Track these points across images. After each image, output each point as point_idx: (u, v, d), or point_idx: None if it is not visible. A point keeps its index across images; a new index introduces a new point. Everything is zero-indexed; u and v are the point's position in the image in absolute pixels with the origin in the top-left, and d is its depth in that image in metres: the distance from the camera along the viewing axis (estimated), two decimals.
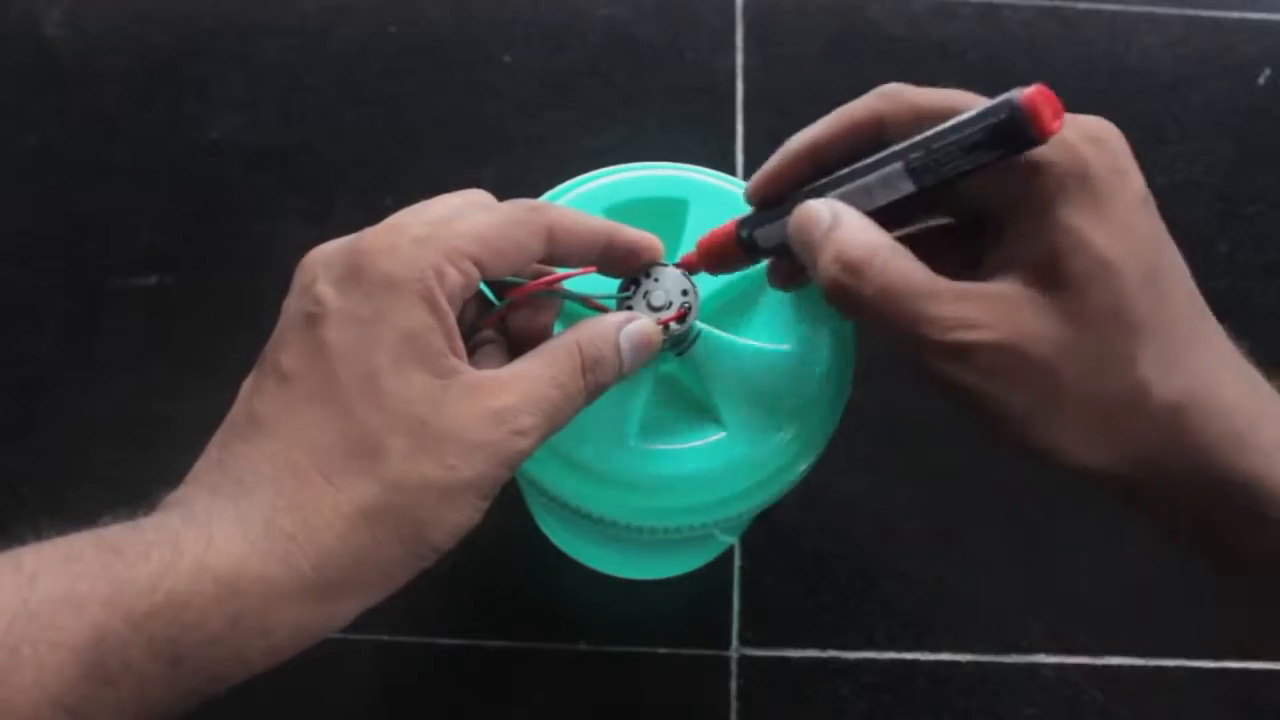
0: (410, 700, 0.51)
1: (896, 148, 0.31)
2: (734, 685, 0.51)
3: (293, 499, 0.31)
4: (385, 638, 0.52)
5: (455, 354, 0.33)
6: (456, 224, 0.33)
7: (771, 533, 0.53)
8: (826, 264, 0.31)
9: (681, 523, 0.38)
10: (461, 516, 0.32)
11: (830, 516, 0.54)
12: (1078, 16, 0.63)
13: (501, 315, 0.36)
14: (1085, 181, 0.30)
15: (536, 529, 0.52)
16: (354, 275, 0.33)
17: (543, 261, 0.35)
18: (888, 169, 0.31)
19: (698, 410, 0.38)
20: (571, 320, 0.35)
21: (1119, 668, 0.52)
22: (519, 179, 0.60)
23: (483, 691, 0.51)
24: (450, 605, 0.52)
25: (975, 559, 0.54)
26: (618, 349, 0.34)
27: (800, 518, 0.54)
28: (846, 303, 0.31)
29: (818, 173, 0.34)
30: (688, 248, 0.38)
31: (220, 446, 0.33)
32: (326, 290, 0.33)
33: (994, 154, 0.30)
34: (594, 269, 0.36)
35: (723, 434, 0.37)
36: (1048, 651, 0.52)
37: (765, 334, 0.39)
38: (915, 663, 0.52)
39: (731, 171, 0.59)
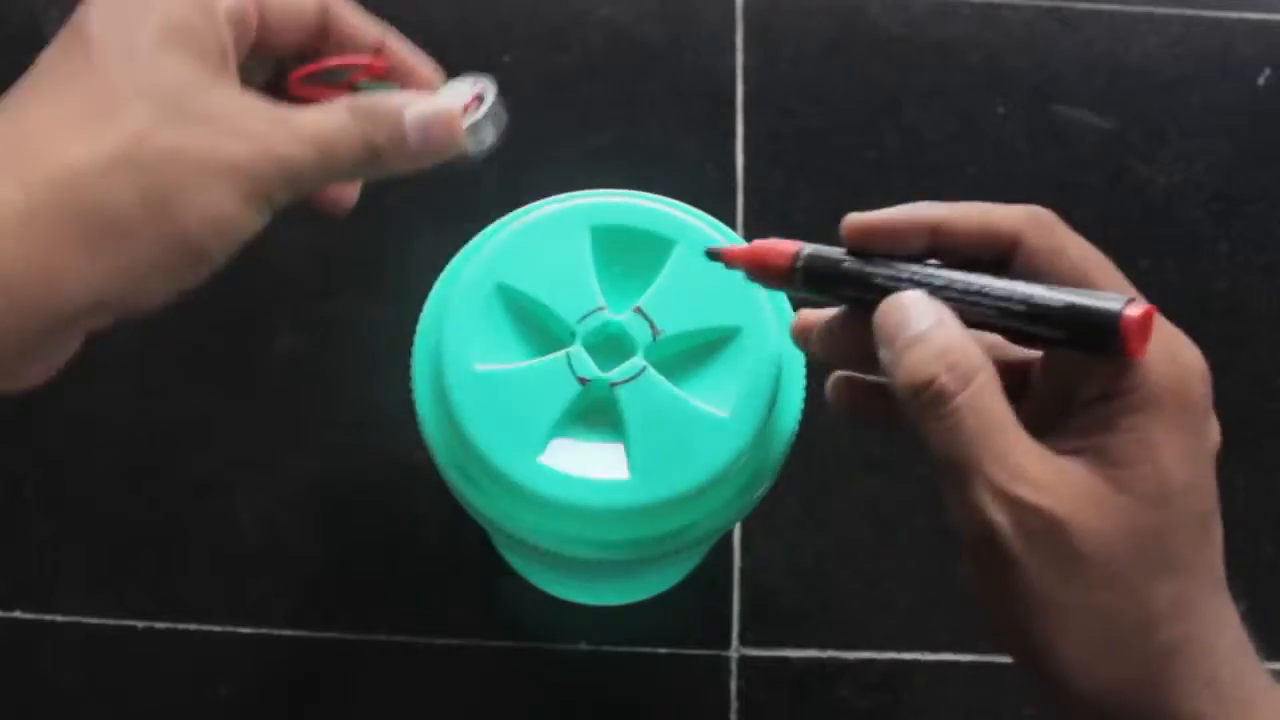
0: (408, 700, 0.51)
1: (1008, 289, 0.30)
2: (734, 685, 0.51)
3: (8, 159, 0.28)
4: (383, 637, 0.52)
5: (229, 69, 0.31)
6: None
7: (771, 533, 0.53)
8: (928, 358, 0.30)
9: (576, 552, 0.38)
10: (218, 201, 0.29)
11: (830, 516, 0.54)
12: (1078, 16, 0.63)
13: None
14: (1184, 409, 0.30)
15: None
16: None
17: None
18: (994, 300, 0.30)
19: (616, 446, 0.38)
20: None
21: None
22: (520, 178, 0.59)
23: (483, 691, 0.51)
24: (449, 605, 0.52)
25: None
26: (404, 125, 0.33)
27: (800, 518, 0.54)
28: (927, 407, 0.30)
29: (926, 252, 0.32)
30: (663, 290, 0.38)
31: None
32: None
33: (1070, 343, 0.29)
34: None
35: (624, 478, 0.37)
36: None
37: (711, 394, 0.38)
38: (915, 663, 0.52)
39: (730, 172, 0.59)
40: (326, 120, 0.32)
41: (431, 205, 0.59)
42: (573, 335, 0.38)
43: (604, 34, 0.63)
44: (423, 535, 0.53)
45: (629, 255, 0.38)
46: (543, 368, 0.37)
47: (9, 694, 0.51)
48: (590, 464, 0.37)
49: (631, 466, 0.37)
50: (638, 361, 0.38)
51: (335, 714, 0.51)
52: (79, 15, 0.31)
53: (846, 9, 0.63)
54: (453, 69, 0.62)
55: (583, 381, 0.37)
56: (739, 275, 0.34)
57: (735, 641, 0.52)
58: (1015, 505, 0.29)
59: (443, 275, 0.40)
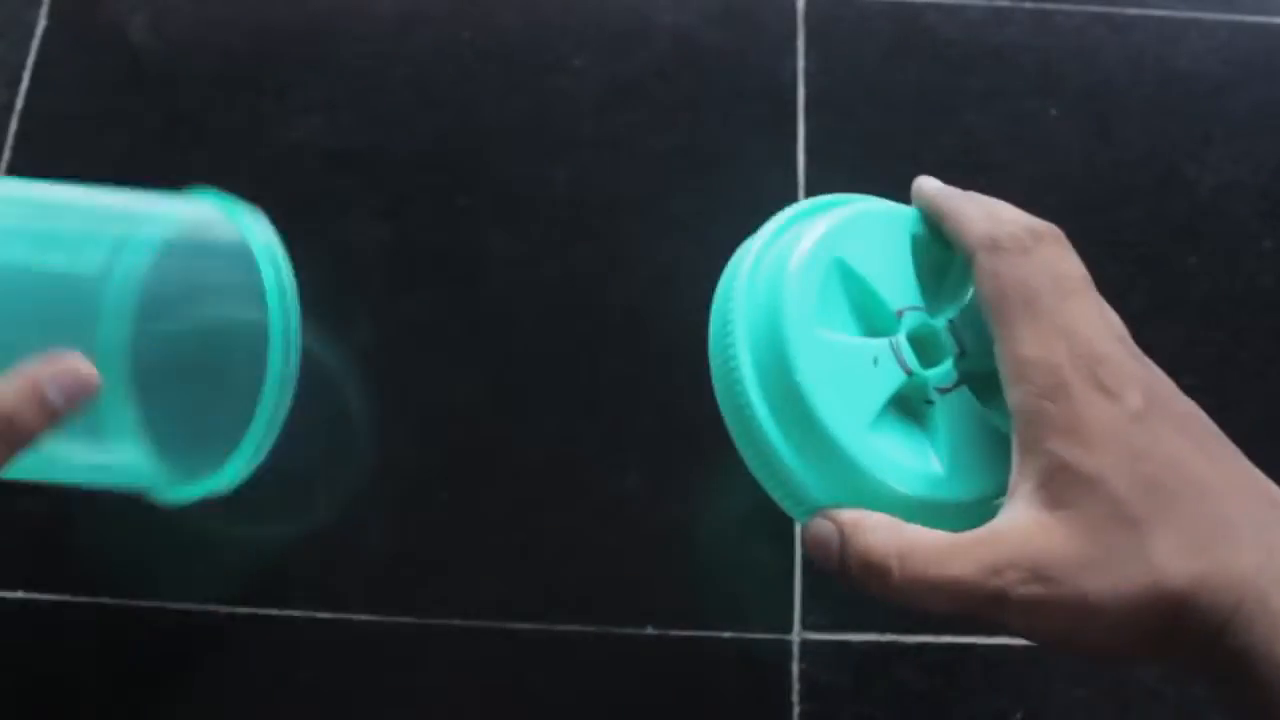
0: (478, 683, 0.53)
1: None
2: (796, 668, 0.53)
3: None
4: (458, 622, 0.53)
5: None
6: None
7: None
8: (853, 575, 0.35)
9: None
10: None
11: None
12: (1127, 21, 0.65)
13: None
14: (1069, 411, 0.33)
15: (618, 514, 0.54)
16: None
17: None
18: None
19: (926, 442, 0.38)
20: None
21: None
22: (587, 179, 0.62)
23: (547, 676, 0.53)
24: (515, 589, 0.54)
25: None
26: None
27: None
28: (882, 596, 0.34)
29: None
30: (968, 313, 0.39)
31: None
32: None
33: None
34: None
35: (940, 471, 0.38)
36: None
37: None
38: (971, 646, 0.53)
39: (792, 172, 0.61)
40: None
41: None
42: (896, 326, 0.38)
43: (669, 39, 0.64)
44: None
45: (932, 268, 0.39)
46: (875, 348, 0.38)
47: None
48: (902, 452, 0.38)
49: (943, 462, 0.38)
50: (951, 371, 0.38)
51: (411, 696, 0.53)
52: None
53: (904, 15, 0.65)
54: (523, 73, 0.63)
55: (908, 372, 0.38)
56: None
57: (797, 625, 0.53)
58: (997, 600, 0.33)
59: (757, 243, 0.40)
